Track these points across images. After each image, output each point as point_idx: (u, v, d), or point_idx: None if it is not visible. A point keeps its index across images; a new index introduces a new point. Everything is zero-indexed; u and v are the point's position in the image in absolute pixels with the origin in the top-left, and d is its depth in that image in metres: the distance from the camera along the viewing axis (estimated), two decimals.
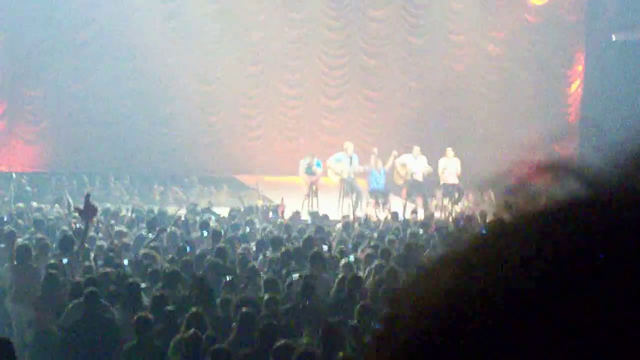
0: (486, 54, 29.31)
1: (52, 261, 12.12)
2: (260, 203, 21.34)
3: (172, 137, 27.82)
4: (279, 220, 18.58)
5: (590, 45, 29.79)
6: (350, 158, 23.35)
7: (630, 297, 0.69)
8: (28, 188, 24.23)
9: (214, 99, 28.36)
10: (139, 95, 27.40)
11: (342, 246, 14.70)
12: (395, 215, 19.82)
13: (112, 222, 17.22)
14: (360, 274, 12.25)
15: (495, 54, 29.35)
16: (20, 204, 20.04)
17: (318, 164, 23.34)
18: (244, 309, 9.12)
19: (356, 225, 18.20)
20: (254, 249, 14.65)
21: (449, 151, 23.93)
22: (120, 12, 27.07)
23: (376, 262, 12.72)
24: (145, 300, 10.34)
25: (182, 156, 27.64)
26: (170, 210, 19.64)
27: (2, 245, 13.82)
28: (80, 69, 27.22)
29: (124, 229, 16.30)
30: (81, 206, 13.69)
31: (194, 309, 9.16)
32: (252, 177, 25.66)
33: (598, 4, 29.52)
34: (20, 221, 16.76)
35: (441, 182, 23.94)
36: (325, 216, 19.49)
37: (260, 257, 13.91)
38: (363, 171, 23.75)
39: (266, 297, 10.20)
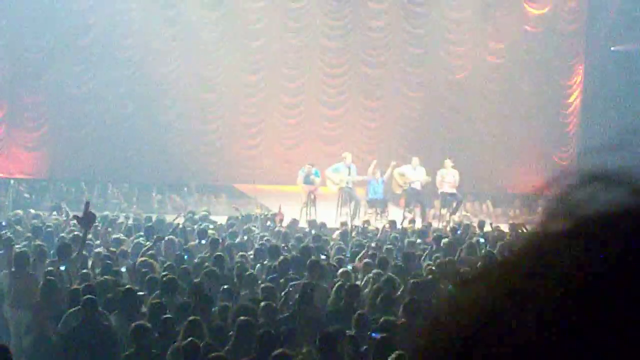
0: (486, 64, 29.34)
1: (50, 268, 12.11)
2: (258, 211, 21.33)
3: (171, 145, 27.80)
4: (277, 228, 18.57)
5: (590, 55, 29.84)
6: (349, 168, 23.37)
7: None
8: (26, 195, 24.23)
9: (213, 107, 28.37)
10: (138, 103, 27.41)
11: (340, 255, 14.70)
12: (393, 224, 19.82)
13: (110, 229, 17.22)
14: (358, 283, 12.25)
15: (494, 64, 29.38)
16: (19, 211, 20.03)
17: (316, 174, 23.35)
18: (241, 318, 9.12)
19: (354, 234, 18.20)
20: (252, 257, 14.64)
21: (448, 162, 23.95)
22: (119, 19, 27.12)
23: (374, 271, 12.71)
24: (143, 308, 10.34)
25: (180, 164, 27.63)
26: (169, 218, 19.63)
27: (0, 252, 13.81)
28: (80, 76, 27.24)
29: (121, 236, 16.29)
30: (80, 214, 13.68)
31: (191, 317, 9.16)
32: (251, 186, 25.67)
33: (597, 15, 29.58)
34: (18, 227, 16.75)
35: (439, 192, 23.97)
36: (323, 225, 19.49)
37: (258, 265, 13.90)
38: (361, 180, 23.76)
39: (262, 304, 10.20)
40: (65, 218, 18.46)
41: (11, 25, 26.86)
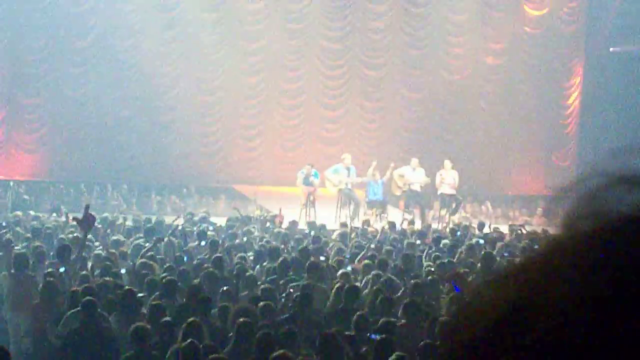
0: (485, 65, 29.36)
1: (49, 270, 12.11)
2: (257, 213, 21.33)
3: (170, 146, 27.82)
4: (277, 230, 18.56)
5: (589, 57, 29.85)
6: (348, 169, 23.36)
7: None
8: (26, 196, 24.21)
9: (213, 109, 28.37)
10: (137, 105, 27.41)
11: (340, 256, 14.70)
12: (392, 225, 19.82)
13: (109, 231, 17.22)
14: (358, 284, 12.25)
15: (494, 65, 29.40)
16: (18, 212, 20.02)
17: (316, 175, 23.34)
18: (241, 319, 9.12)
19: (353, 235, 18.20)
20: (252, 258, 14.64)
21: (447, 163, 23.94)
22: (119, 21, 27.11)
23: (373, 272, 12.72)
24: (143, 309, 10.34)
25: (180, 166, 27.65)
26: (168, 219, 19.62)
27: (0, 254, 13.81)
28: (79, 78, 27.26)
29: (121, 238, 16.29)
30: (80, 216, 13.68)
31: (191, 319, 9.15)
32: (251, 187, 25.67)
33: (597, 16, 29.59)
34: (18, 229, 16.75)
35: (438, 193, 23.97)
36: (323, 226, 19.49)
37: (258, 266, 13.90)
38: (361, 182, 23.76)
39: (262, 305, 10.20)
40: (64, 220, 18.45)
41: (10, 28, 26.87)
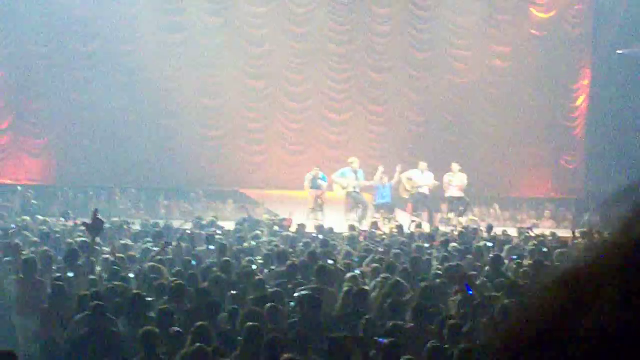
0: (491, 69, 29.34)
1: (58, 274, 12.12)
2: (266, 217, 21.34)
3: (177, 150, 27.85)
4: (285, 233, 18.57)
5: (596, 59, 29.80)
6: (356, 172, 23.35)
7: None
8: (34, 201, 24.25)
9: (219, 113, 28.39)
10: (143, 109, 27.46)
11: (348, 260, 14.69)
12: (400, 229, 19.81)
13: (116, 235, 17.23)
14: (366, 287, 12.23)
15: (500, 68, 29.37)
16: (26, 217, 20.05)
17: (323, 178, 23.35)
18: (249, 323, 9.11)
19: (362, 238, 18.19)
20: (260, 262, 14.63)
21: (455, 166, 23.93)
22: (123, 26, 27.16)
23: (382, 275, 12.70)
24: (151, 313, 10.34)
25: (186, 170, 27.67)
26: (176, 224, 19.65)
27: (8, 258, 13.83)
28: (85, 83, 27.32)
29: (129, 242, 16.30)
30: (88, 221, 13.70)
31: (199, 323, 9.15)
32: (258, 192, 25.68)
33: (603, 19, 29.54)
34: (26, 234, 16.77)
35: (446, 196, 23.95)
36: (331, 230, 19.48)
37: (266, 270, 13.90)
38: (368, 186, 23.76)
39: (267, 306, 10.18)
40: (73, 224, 18.47)
41: (16, 34, 26.94)
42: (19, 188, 24.97)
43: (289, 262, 13.42)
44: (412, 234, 19.17)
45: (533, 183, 29.71)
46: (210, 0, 28.07)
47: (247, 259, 14.49)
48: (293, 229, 19.57)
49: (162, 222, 19.63)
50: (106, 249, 14.98)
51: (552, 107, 29.63)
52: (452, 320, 9.92)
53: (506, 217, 27.44)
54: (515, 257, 16.00)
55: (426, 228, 21.02)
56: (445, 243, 16.78)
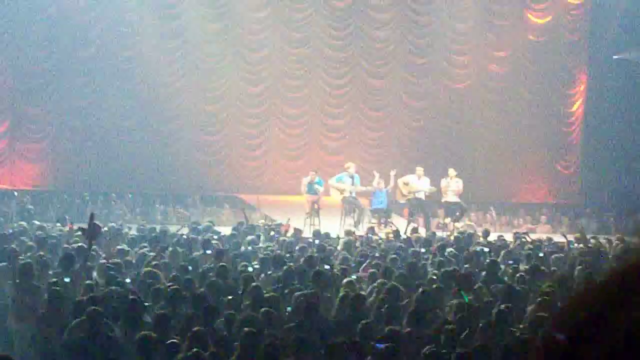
0: (488, 74, 29.38)
1: (54, 279, 12.10)
2: (262, 222, 21.33)
3: (174, 155, 27.86)
4: (281, 238, 18.55)
5: (593, 64, 29.84)
6: (352, 177, 23.35)
7: None
8: (30, 206, 24.21)
9: (216, 118, 28.42)
10: (140, 114, 27.47)
11: (345, 265, 14.69)
12: (397, 233, 19.80)
13: (113, 240, 17.20)
14: (363, 292, 12.24)
15: (497, 73, 29.41)
16: (23, 222, 20.01)
17: (320, 182, 23.34)
18: (246, 328, 9.11)
19: (358, 243, 18.18)
20: (257, 267, 14.61)
21: (451, 171, 23.94)
22: (121, 31, 27.19)
23: (378, 280, 12.70)
24: (148, 318, 10.33)
25: (183, 175, 27.68)
26: (173, 228, 19.63)
27: (5, 264, 13.80)
28: (82, 88, 27.32)
29: (126, 247, 16.28)
30: (85, 225, 13.69)
31: (196, 328, 9.15)
32: (255, 196, 25.67)
33: (600, 24, 29.58)
34: (23, 239, 16.74)
35: (443, 201, 23.96)
36: (327, 234, 19.48)
37: (263, 275, 13.89)
38: (365, 191, 23.75)
39: (262, 310, 10.17)
40: (68, 229, 18.44)
41: (14, 39, 26.93)
42: (15, 193, 24.94)
43: (285, 267, 13.43)
44: (408, 239, 19.16)
45: (529, 188, 29.75)
46: (209, 5, 28.08)
47: (242, 263, 14.49)
48: (290, 234, 19.55)
49: (158, 227, 19.59)
50: (103, 254, 14.97)
51: (549, 112, 29.67)
52: (449, 326, 9.92)
53: (503, 222, 27.45)
54: (511, 262, 16.00)
55: (422, 233, 21.00)
56: (442, 248, 16.78)
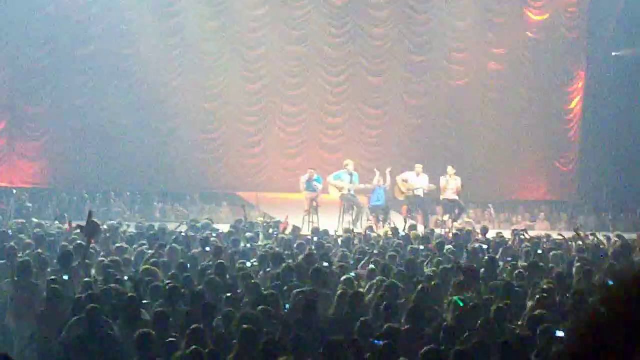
0: (487, 71, 29.37)
1: (53, 277, 12.10)
2: (261, 220, 21.33)
3: (172, 154, 27.85)
4: (280, 236, 18.56)
5: (591, 61, 29.84)
6: (351, 175, 23.35)
7: None
8: (29, 204, 24.23)
9: (215, 116, 28.40)
10: (139, 112, 27.45)
11: (343, 262, 14.69)
12: (395, 231, 19.80)
13: (112, 238, 17.19)
14: (361, 290, 12.24)
15: (496, 70, 29.41)
16: (21, 220, 20.02)
17: (318, 180, 23.34)
18: (245, 326, 9.11)
19: (357, 241, 18.18)
20: (255, 264, 14.62)
21: (450, 169, 23.96)
22: (121, 30, 27.17)
23: (377, 278, 12.71)
24: (147, 316, 10.33)
25: (182, 173, 27.68)
26: (171, 226, 19.63)
27: (3, 261, 13.80)
28: (81, 86, 27.30)
29: (124, 245, 16.28)
30: (83, 223, 13.68)
31: (194, 326, 9.16)
32: (253, 194, 25.67)
33: (598, 21, 29.58)
34: (21, 237, 16.74)
35: (441, 199, 23.97)
36: (326, 232, 19.48)
37: (261, 273, 13.89)
38: (364, 188, 23.76)
39: (266, 312, 10.17)
40: (67, 227, 18.44)
41: (12, 37, 26.90)
42: (14, 191, 24.93)
43: (284, 265, 13.43)
44: (407, 236, 19.16)
45: (528, 185, 29.75)
46: (207, 4, 28.06)
47: (241, 261, 14.49)
48: (288, 231, 19.56)
49: (157, 225, 19.59)
50: (101, 252, 14.98)
51: (547, 109, 29.67)
52: (448, 323, 9.92)
53: (501, 220, 27.47)
54: (510, 259, 16.02)
55: (421, 230, 21.01)
56: (441, 246, 16.79)
